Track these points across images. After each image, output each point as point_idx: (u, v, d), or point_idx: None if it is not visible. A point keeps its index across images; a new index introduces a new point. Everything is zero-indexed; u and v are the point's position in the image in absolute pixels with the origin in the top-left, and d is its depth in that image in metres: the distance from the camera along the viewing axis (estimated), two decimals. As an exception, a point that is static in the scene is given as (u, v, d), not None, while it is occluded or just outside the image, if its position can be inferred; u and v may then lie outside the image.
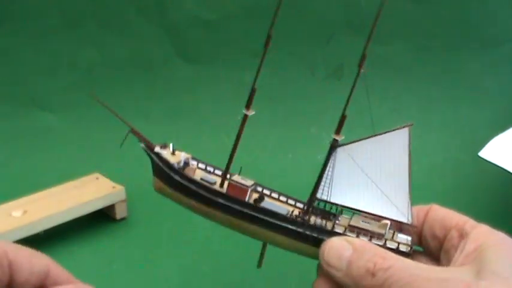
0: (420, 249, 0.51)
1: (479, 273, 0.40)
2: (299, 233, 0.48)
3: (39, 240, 0.71)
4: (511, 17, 1.06)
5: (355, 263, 0.43)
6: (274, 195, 0.51)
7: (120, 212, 0.78)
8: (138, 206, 0.81)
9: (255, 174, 0.94)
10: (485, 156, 0.81)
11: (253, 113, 0.51)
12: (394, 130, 0.47)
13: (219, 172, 0.51)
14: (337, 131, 0.48)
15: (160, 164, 0.49)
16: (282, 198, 0.51)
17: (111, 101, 1.00)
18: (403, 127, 0.47)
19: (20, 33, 0.98)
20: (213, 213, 0.49)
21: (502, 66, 1.07)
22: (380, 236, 0.47)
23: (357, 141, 0.48)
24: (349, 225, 0.47)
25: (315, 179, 0.49)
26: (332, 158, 0.48)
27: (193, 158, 0.52)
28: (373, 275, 0.42)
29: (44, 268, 0.43)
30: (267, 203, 0.50)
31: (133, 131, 0.51)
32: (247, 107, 0.51)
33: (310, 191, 0.50)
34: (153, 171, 0.51)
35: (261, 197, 0.50)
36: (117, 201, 0.78)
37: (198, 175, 0.50)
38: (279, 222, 0.48)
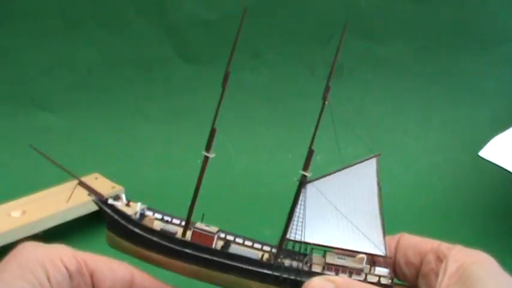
0: (400, 282, 0.50)
1: None
2: (276, 277, 0.46)
3: (38, 241, 0.71)
4: (510, 18, 1.06)
5: None
6: (239, 240, 0.49)
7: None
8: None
9: (254, 174, 0.95)
10: (485, 155, 0.81)
11: (214, 155, 0.48)
12: (362, 162, 0.47)
13: (177, 221, 0.48)
14: (305, 167, 0.46)
15: (116, 216, 0.46)
16: (248, 242, 0.49)
17: (111, 101, 1.01)
18: (371, 157, 0.46)
19: (20, 34, 0.98)
20: (177, 265, 0.46)
21: (502, 66, 1.07)
22: (359, 271, 0.46)
23: (326, 175, 0.47)
24: (326, 263, 0.46)
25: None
26: (302, 195, 0.46)
27: (149, 209, 0.48)
28: None
29: (126, 275, 0.43)
30: (234, 249, 0.47)
31: (81, 184, 0.47)
32: (207, 149, 0.48)
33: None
34: (107, 224, 0.47)
35: (227, 244, 0.47)
36: (117, 202, 0.77)
37: (157, 226, 0.47)
38: (254, 268, 0.45)
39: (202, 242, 0.46)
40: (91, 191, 0.47)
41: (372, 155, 0.46)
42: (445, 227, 0.83)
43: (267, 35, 1.01)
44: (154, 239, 0.45)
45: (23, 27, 0.98)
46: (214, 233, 0.46)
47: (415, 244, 0.48)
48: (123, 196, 0.47)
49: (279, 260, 0.46)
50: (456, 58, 1.06)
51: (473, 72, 1.07)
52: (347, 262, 0.47)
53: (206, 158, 0.48)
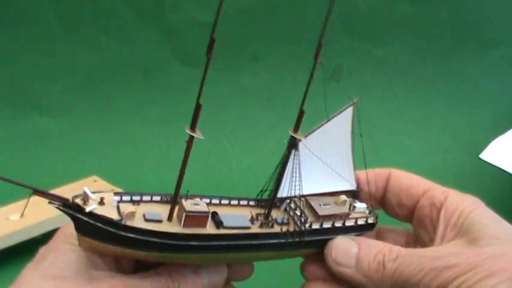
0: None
1: (477, 240, 0.42)
2: (283, 242, 0.47)
3: (36, 244, 0.71)
4: (510, 19, 1.06)
5: (365, 258, 0.45)
6: (225, 202, 0.49)
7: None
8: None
9: (254, 175, 0.94)
10: (486, 158, 0.81)
11: (201, 137, 0.44)
12: (340, 112, 0.50)
13: (147, 198, 0.45)
14: (296, 128, 0.47)
15: (101, 225, 0.40)
16: (233, 202, 0.49)
17: (110, 104, 1.01)
18: (347, 107, 0.50)
19: (18, 38, 0.98)
20: (181, 258, 0.44)
21: (502, 67, 1.07)
22: (347, 215, 0.49)
23: (311, 132, 0.49)
24: (321, 217, 0.48)
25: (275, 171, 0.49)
26: (296, 154, 0.48)
27: (116, 194, 0.44)
28: (384, 266, 0.44)
29: None
30: (227, 220, 0.45)
31: (38, 193, 0.41)
32: (193, 127, 0.44)
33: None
34: (81, 230, 0.41)
35: (218, 221, 0.45)
36: (116, 205, 0.77)
37: (136, 214, 0.42)
38: (262, 241, 0.46)
39: (196, 224, 0.43)
40: (51, 197, 0.41)
41: (349, 104, 0.50)
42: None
43: (265, 38, 1.01)
44: (156, 240, 0.42)
45: (22, 31, 0.98)
46: (208, 212, 0.44)
47: (407, 187, 0.51)
48: (89, 192, 0.41)
49: (271, 218, 0.47)
50: (456, 59, 1.06)
51: (473, 73, 1.07)
52: (334, 208, 0.49)
53: (191, 138, 0.44)
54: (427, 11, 1.03)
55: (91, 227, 0.40)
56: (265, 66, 1.02)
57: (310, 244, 0.48)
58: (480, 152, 0.81)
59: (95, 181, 0.80)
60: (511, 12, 1.05)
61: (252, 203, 0.50)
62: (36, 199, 0.75)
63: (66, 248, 0.44)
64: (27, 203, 0.41)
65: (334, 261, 0.47)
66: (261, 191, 0.50)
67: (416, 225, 0.51)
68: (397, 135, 1.03)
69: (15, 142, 0.97)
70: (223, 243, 0.44)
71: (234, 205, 0.49)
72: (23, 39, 0.98)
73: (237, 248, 0.45)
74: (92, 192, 0.41)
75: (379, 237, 0.53)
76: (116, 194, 0.44)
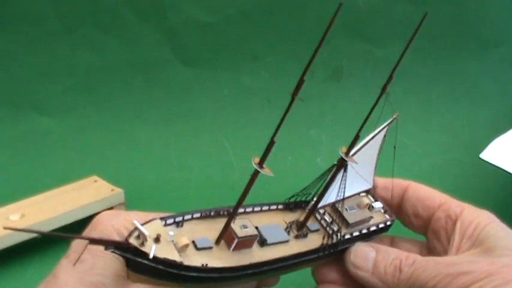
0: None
1: (492, 251, 0.43)
2: (325, 255, 0.50)
3: (36, 244, 0.71)
4: (511, 18, 1.06)
5: (382, 262, 0.47)
6: (257, 209, 0.50)
7: (119, 215, 0.77)
8: (137, 209, 0.80)
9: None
10: (486, 158, 0.81)
11: (272, 174, 0.41)
12: (383, 128, 0.52)
13: (188, 216, 0.45)
14: (348, 151, 0.49)
15: (163, 267, 0.39)
16: (264, 208, 0.51)
17: (110, 104, 1.01)
18: (391, 122, 0.52)
19: (18, 38, 0.98)
20: (236, 283, 0.46)
21: (502, 67, 1.07)
22: (371, 218, 0.52)
23: (357, 150, 0.50)
24: (351, 225, 0.51)
25: (315, 181, 0.50)
26: (343, 175, 0.49)
27: (161, 219, 0.43)
28: (400, 270, 0.45)
29: None
30: (266, 233, 0.47)
31: (93, 241, 0.37)
32: (261, 162, 0.42)
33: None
34: (132, 267, 0.39)
35: (264, 240, 0.47)
36: (116, 204, 0.77)
37: (185, 240, 0.42)
38: (306, 258, 0.48)
39: (244, 246, 0.45)
40: (107, 243, 0.37)
41: (391, 119, 0.53)
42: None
43: (266, 38, 1.01)
44: (215, 275, 0.42)
45: (22, 31, 0.98)
46: (255, 235, 0.45)
47: (424, 199, 0.53)
48: (141, 227, 0.39)
49: (304, 229, 0.50)
50: (456, 59, 1.06)
51: (473, 73, 1.07)
52: (359, 213, 0.52)
53: (256, 172, 0.41)
54: (427, 11, 1.03)
55: (150, 268, 0.39)
56: (266, 66, 1.02)
57: (340, 252, 0.51)
58: (480, 152, 0.81)
59: (95, 181, 0.80)
60: (511, 13, 1.05)
61: (280, 206, 0.52)
62: (35, 199, 0.76)
63: (104, 252, 0.41)
64: (83, 251, 0.39)
65: (353, 264, 0.49)
66: (293, 196, 0.52)
67: (431, 236, 0.52)
68: (397, 135, 1.02)
69: (15, 142, 0.97)
70: (272, 266, 0.46)
71: (265, 211, 0.50)
72: (23, 40, 0.98)
73: (282, 269, 0.47)
74: (142, 225, 0.39)
75: (393, 246, 0.55)
76: (161, 219, 0.43)
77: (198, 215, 0.46)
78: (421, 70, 1.06)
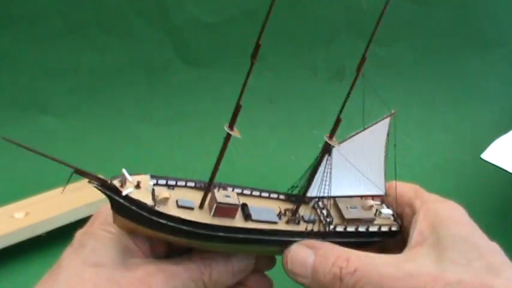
0: None
1: (439, 261, 0.41)
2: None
3: (41, 242, 0.72)
4: (513, 18, 1.06)
5: (320, 269, 0.43)
6: (256, 193, 0.50)
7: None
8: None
9: (257, 176, 0.95)
10: (487, 158, 0.81)
11: (240, 136, 0.44)
12: (377, 122, 0.51)
13: (182, 183, 0.47)
14: (331, 135, 0.48)
15: (135, 208, 0.42)
16: (264, 194, 0.51)
17: (114, 104, 1.01)
18: (385, 117, 0.51)
19: (22, 38, 0.99)
20: (208, 246, 0.46)
21: (504, 67, 1.07)
22: (373, 221, 0.50)
23: (347, 138, 0.50)
24: (347, 220, 0.49)
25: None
26: (328, 159, 0.48)
27: (152, 177, 0.45)
28: (341, 279, 0.42)
29: None
30: (255, 213, 0.47)
31: (79, 171, 0.42)
32: (231, 125, 0.44)
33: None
34: (117, 210, 0.43)
35: (248, 213, 0.47)
36: (120, 203, 0.78)
37: (170, 199, 0.44)
38: (288, 238, 0.47)
39: (225, 214, 0.45)
40: (91, 177, 0.42)
41: (386, 115, 0.51)
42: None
43: (268, 37, 1.01)
44: (185, 228, 0.43)
45: (26, 31, 0.98)
46: (238, 205, 0.45)
47: (398, 195, 0.51)
48: (127, 175, 0.43)
49: (298, 215, 0.49)
50: (458, 59, 1.06)
51: (475, 73, 1.07)
52: (360, 212, 0.50)
53: (228, 136, 0.44)
54: (429, 11, 1.04)
55: (126, 209, 0.42)
56: (268, 66, 1.03)
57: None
58: (482, 152, 0.82)
59: (99, 180, 0.81)
60: (513, 13, 1.05)
61: (282, 197, 0.51)
62: (39, 197, 0.76)
63: (104, 236, 0.45)
64: (68, 181, 0.42)
65: (291, 271, 0.45)
66: (292, 186, 0.51)
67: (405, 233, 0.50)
68: (399, 135, 1.03)
69: (19, 141, 0.97)
70: (248, 236, 0.45)
71: (264, 197, 0.50)
72: (27, 40, 0.99)
73: (261, 242, 0.46)
74: (130, 175, 0.43)
75: None
76: (152, 177, 0.45)
77: (192, 184, 0.47)
78: (423, 70, 1.06)
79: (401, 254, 0.45)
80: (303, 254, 0.45)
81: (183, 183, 0.47)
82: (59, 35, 0.99)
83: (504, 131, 0.86)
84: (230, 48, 1.03)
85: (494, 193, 0.90)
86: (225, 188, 0.47)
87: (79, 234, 0.47)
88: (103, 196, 0.80)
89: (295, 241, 0.46)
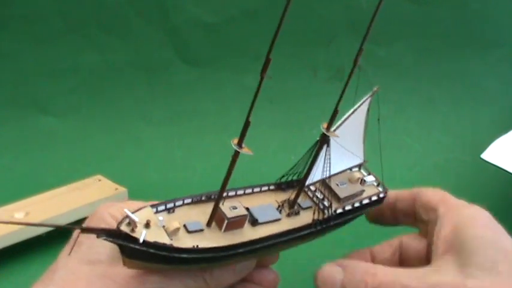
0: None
1: (464, 267, 0.41)
2: (318, 230, 0.49)
3: (41, 242, 0.72)
4: (513, 18, 1.06)
5: (348, 285, 0.44)
6: (248, 191, 0.51)
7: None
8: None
9: (257, 175, 0.95)
10: (487, 158, 0.81)
11: (251, 153, 0.43)
12: (362, 103, 0.52)
13: (179, 202, 0.46)
14: (328, 126, 0.48)
15: (154, 251, 0.40)
16: (256, 189, 0.51)
17: (114, 104, 1.01)
18: (369, 96, 0.52)
19: (22, 38, 0.99)
20: (229, 263, 0.46)
21: (504, 67, 1.07)
22: (362, 192, 0.52)
23: (338, 126, 0.50)
24: (341, 199, 0.50)
25: (302, 159, 0.50)
26: (327, 150, 0.49)
27: (152, 206, 0.44)
28: None
29: None
30: (257, 213, 0.47)
31: (85, 231, 0.38)
32: (240, 142, 0.43)
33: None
34: (129, 255, 0.40)
35: (254, 219, 0.47)
36: (120, 203, 0.78)
37: (175, 224, 0.43)
38: (297, 234, 0.48)
39: (235, 226, 0.45)
40: (98, 232, 0.38)
41: (370, 93, 0.52)
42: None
43: (269, 37, 1.01)
44: (207, 255, 0.42)
45: (25, 31, 0.98)
46: (246, 215, 0.46)
47: (426, 203, 0.51)
48: (132, 215, 0.40)
49: (296, 208, 0.50)
50: (458, 59, 1.06)
51: (475, 73, 1.07)
52: (351, 187, 0.51)
53: (237, 153, 0.43)
54: (429, 11, 1.03)
55: (142, 253, 0.40)
56: (268, 66, 1.03)
57: (333, 227, 0.51)
58: (482, 152, 0.82)
59: (99, 180, 0.81)
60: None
61: (271, 187, 0.52)
62: (39, 197, 0.76)
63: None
64: (75, 242, 0.41)
65: None
66: (282, 176, 0.52)
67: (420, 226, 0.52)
68: (399, 135, 1.03)
69: (20, 142, 0.97)
70: (265, 244, 0.46)
71: (256, 192, 0.51)
72: (27, 40, 0.99)
73: (273, 246, 0.47)
74: (132, 213, 0.40)
75: (403, 247, 0.54)
76: (152, 206, 0.44)
77: (189, 200, 0.47)
78: (423, 70, 1.06)
79: (428, 265, 0.45)
80: (333, 273, 0.46)
81: (181, 203, 0.46)
82: (59, 34, 0.99)
83: (504, 131, 0.86)
84: (230, 48, 1.03)
85: (494, 193, 0.90)
86: (219, 197, 0.45)
87: (76, 233, 0.46)
88: (103, 196, 0.80)
89: (301, 235, 0.48)
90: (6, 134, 0.98)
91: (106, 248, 0.45)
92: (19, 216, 0.71)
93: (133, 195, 0.79)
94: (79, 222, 0.74)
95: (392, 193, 0.54)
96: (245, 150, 0.42)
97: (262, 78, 0.41)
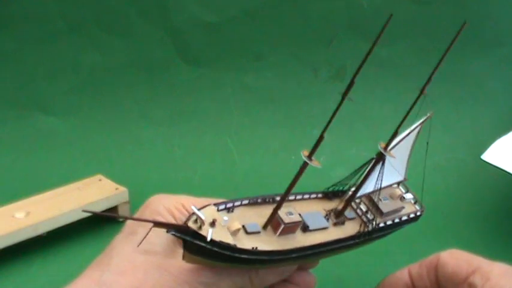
0: None
1: None
2: (360, 241, 0.52)
3: (41, 242, 0.72)
4: (514, 18, 1.06)
5: None
6: (299, 197, 0.52)
7: (123, 214, 0.78)
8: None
9: (257, 176, 0.95)
10: (488, 159, 0.81)
11: (319, 165, 0.43)
12: (417, 126, 0.55)
13: (238, 203, 0.48)
14: (386, 146, 0.50)
15: (218, 250, 0.41)
16: (305, 196, 0.53)
17: (114, 103, 1.02)
18: (425, 120, 0.55)
19: (23, 37, 0.99)
20: (279, 266, 0.49)
21: (505, 67, 1.07)
22: (402, 209, 0.55)
23: (395, 145, 0.53)
24: (385, 214, 0.53)
25: (319, 181, 0.52)
26: (381, 168, 0.51)
27: (214, 205, 0.45)
28: None
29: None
30: (308, 219, 0.49)
31: (157, 225, 0.39)
32: (310, 155, 0.43)
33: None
34: (189, 249, 0.42)
35: (306, 226, 0.49)
36: (120, 203, 0.78)
37: (237, 225, 0.44)
38: (349, 242, 0.50)
39: (289, 231, 0.47)
40: (169, 226, 0.39)
41: (425, 117, 0.55)
42: (448, 227, 0.84)
43: (269, 37, 1.01)
44: (264, 258, 0.44)
45: (26, 31, 0.98)
46: (301, 221, 0.47)
47: (451, 273, 0.45)
48: (198, 212, 0.41)
49: (343, 217, 0.52)
50: (459, 59, 1.06)
51: (476, 73, 1.07)
52: (392, 203, 0.54)
53: (305, 165, 0.43)
54: (430, 11, 1.03)
55: (206, 250, 0.41)
56: (269, 66, 1.03)
57: (374, 239, 0.53)
58: (482, 152, 0.82)
59: (100, 180, 0.81)
60: (514, 13, 1.05)
61: (319, 195, 0.54)
62: (40, 197, 0.76)
63: None
64: (146, 234, 0.41)
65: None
66: (332, 185, 0.54)
67: None
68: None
69: (20, 141, 0.97)
70: (315, 250, 0.48)
71: (305, 199, 0.53)
72: (27, 39, 0.99)
73: (321, 253, 0.49)
74: (198, 210, 0.41)
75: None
76: (214, 205, 0.45)
77: (246, 201, 0.48)
78: (424, 70, 1.06)
79: None
80: None
81: (239, 203, 0.48)
82: (59, 34, 0.99)
83: (504, 131, 0.85)
84: (230, 48, 1.03)
85: (494, 194, 0.90)
86: (281, 204, 0.46)
87: (129, 222, 0.48)
88: (102, 196, 0.80)
89: (347, 245, 0.50)
90: (6, 134, 0.98)
91: (162, 238, 0.45)
92: (20, 216, 0.71)
93: (133, 195, 0.79)
94: (80, 222, 0.74)
95: (403, 272, 0.50)
96: (315, 163, 0.43)
97: (343, 99, 0.43)
